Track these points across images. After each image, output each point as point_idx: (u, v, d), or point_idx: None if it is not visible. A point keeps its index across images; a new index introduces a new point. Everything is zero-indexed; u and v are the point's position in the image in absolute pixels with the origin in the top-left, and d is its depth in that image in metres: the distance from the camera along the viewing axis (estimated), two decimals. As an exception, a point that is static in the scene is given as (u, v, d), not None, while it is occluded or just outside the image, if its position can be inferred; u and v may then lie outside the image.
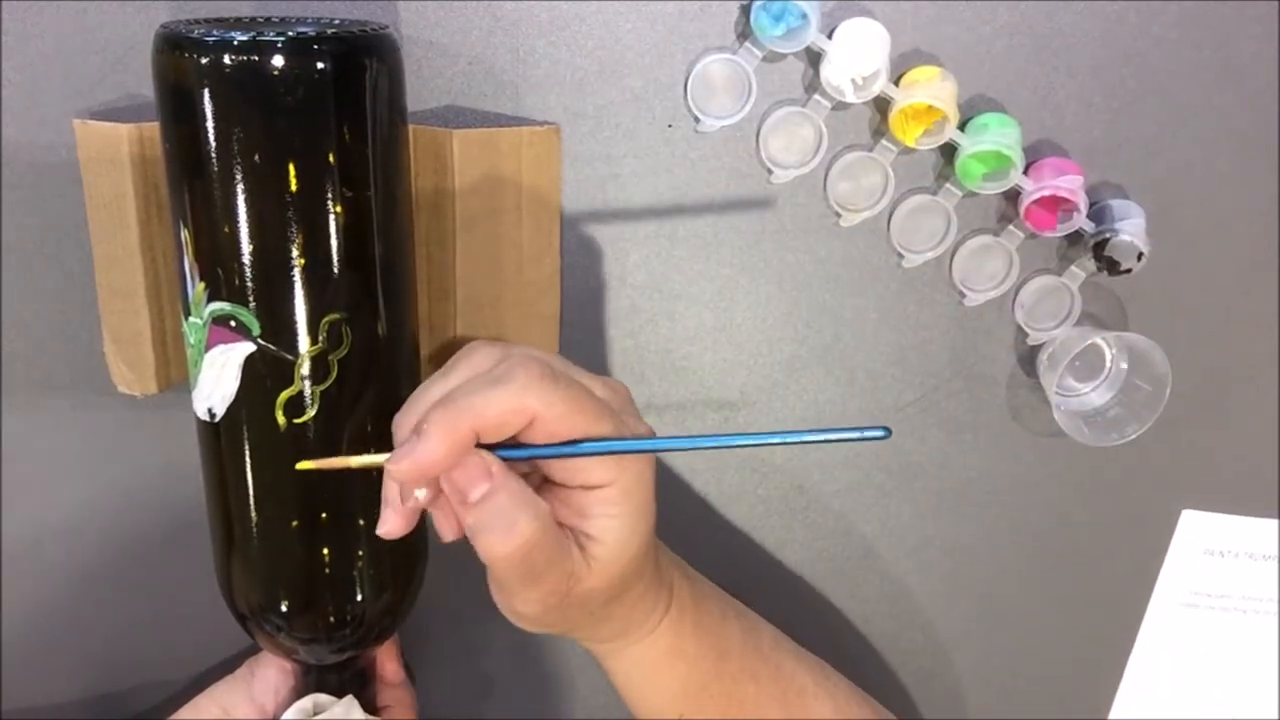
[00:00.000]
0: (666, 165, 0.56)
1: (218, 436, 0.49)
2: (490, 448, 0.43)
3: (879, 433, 0.41)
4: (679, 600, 0.52)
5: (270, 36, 0.43)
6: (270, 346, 0.46)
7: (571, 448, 0.43)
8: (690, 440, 0.42)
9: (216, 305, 0.46)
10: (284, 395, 0.47)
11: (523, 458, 0.43)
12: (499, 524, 0.42)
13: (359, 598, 0.51)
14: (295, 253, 0.45)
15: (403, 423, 0.44)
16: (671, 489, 0.63)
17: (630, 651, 0.52)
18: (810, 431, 0.42)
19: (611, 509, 0.44)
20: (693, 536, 0.63)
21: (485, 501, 0.42)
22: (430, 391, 0.44)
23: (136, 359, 0.55)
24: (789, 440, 0.43)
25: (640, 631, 0.51)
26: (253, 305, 0.46)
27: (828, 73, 0.53)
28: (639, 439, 0.44)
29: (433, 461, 0.41)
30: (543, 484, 0.46)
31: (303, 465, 0.45)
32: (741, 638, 0.55)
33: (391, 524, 0.45)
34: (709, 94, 0.55)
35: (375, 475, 0.46)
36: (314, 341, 0.46)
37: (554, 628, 0.48)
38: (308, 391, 0.47)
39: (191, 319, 0.47)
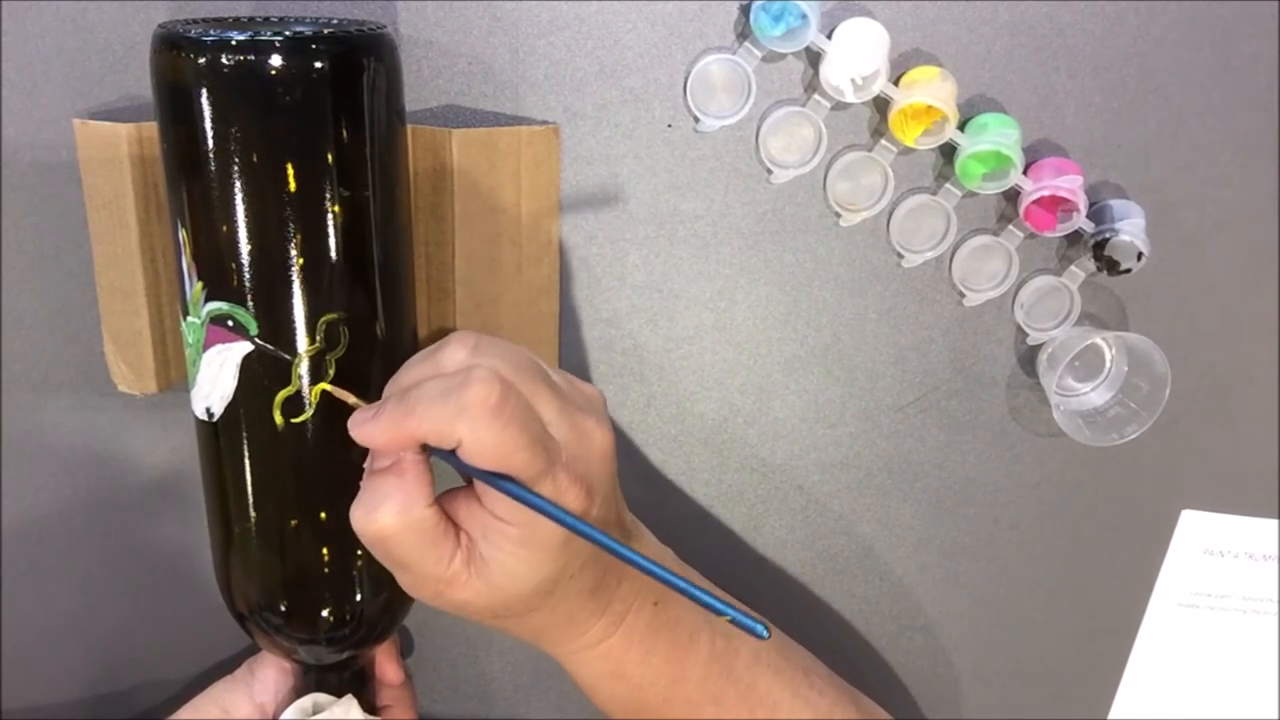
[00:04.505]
0: (666, 165, 0.56)
1: (216, 436, 0.49)
2: None
3: (760, 630, 0.42)
4: (628, 630, 0.51)
5: (268, 36, 0.43)
6: (268, 346, 0.46)
7: (483, 473, 0.42)
8: (589, 530, 0.42)
9: (214, 305, 0.46)
10: (282, 395, 0.47)
11: (439, 458, 0.43)
12: (368, 500, 0.44)
13: (357, 597, 0.51)
14: (293, 253, 0.45)
15: (388, 386, 0.46)
16: (671, 489, 0.63)
17: (565, 660, 0.52)
18: (711, 597, 0.42)
19: (508, 545, 0.44)
20: (693, 536, 0.63)
21: (374, 475, 0.45)
22: (410, 373, 0.45)
23: (136, 359, 0.55)
24: (691, 593, 0.42)
25: (561, 649, 0.51)
26: (250, 305, 0.46)
27: (827, 73, 0.53)
28: (547, 503, 0.43)
29: (374, 445, 0.44)
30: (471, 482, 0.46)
31: (323, 385, 0.47)
32: (708, 663, 0.53)
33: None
34: (708, 94, 0.55)
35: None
36: (312, 341, 0.47)
37: (456, 615, 0.48)
38: (306, 391, 0.47)
39: (189, 319, 0.47)
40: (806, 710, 0.56)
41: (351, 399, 0.46)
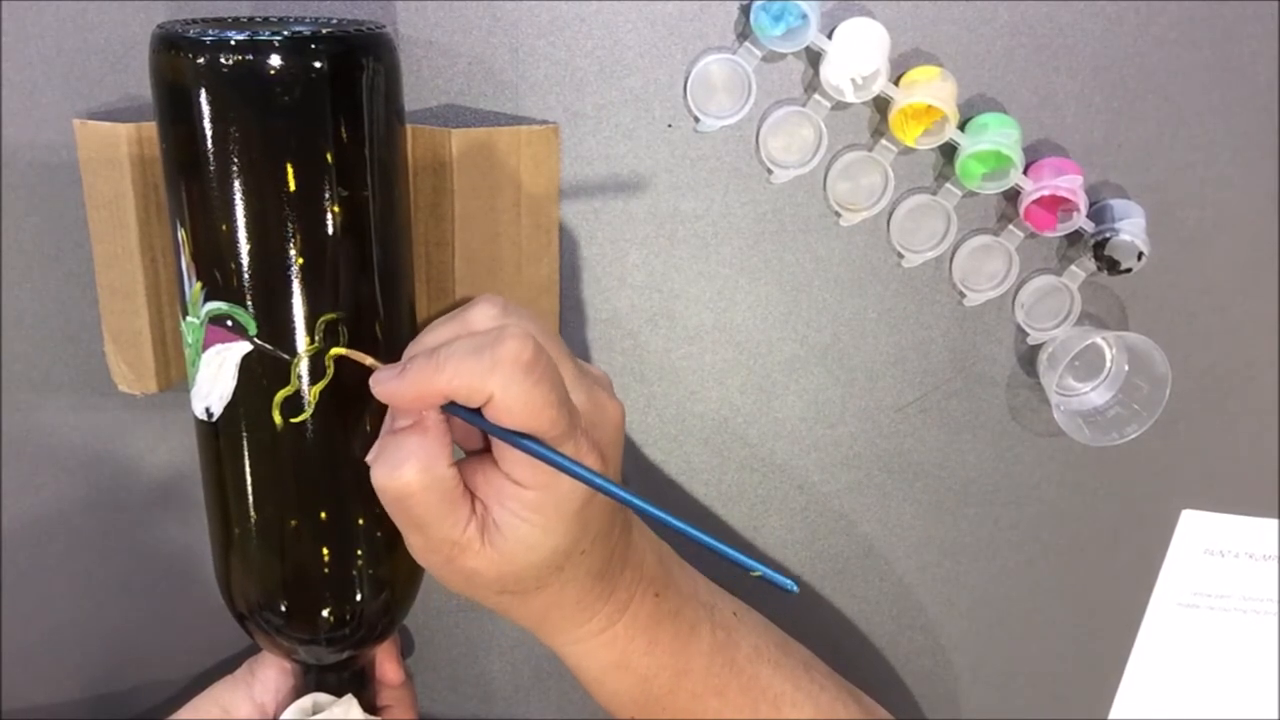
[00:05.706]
0: (666, 165, 0.56)
1: (215, 436, 0.49)
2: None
3: (789, 584, 0.41)
4: (632, 619, 0.51)
5: (266, 36, 0.43)
6: (267, 346, 0.46)
7: (507, 433, 0.42)
8: (617, 488, 0.42)
9: (213, 305, 0.46)
10: (281, 395, 0.47)
11: (462, 417, 0.44)
12: (390, 458, 0.44)
13: (357, 597, 0.51)
14: (292, 253, 0.45)
15: (409, 348, 0.46)
16: (671, 488, 0.63)
17: (568, 651, 0.52)
18: (739, 554, 0.42)
19: (524, 511, 0.44)
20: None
21: (397, 434, 0.45)
22: (436, 333, 0.46)
23: (136, 359, 0.55)
24: (720, 549, 0.42)
25: (566, 637, 0.51)
26: (250, 305, 0.46)
27: (827, 72, 0.53)
28: (573, 463, 0.43)
29: (398, 402, 0.44)
30: (486, 447, 0.46)
31: (336, 350, 0.47)
32: (710, 655, 0.54)
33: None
34: (708, 94, 0.55)
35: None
36: (311, 341, 0.47)
37: (461, 592, 0.48)
38: (305, 391, 0.47)
39: (189, 319, 0.47)
40: (808, 704, 0.56)
41: (368, 360, 0.46)
